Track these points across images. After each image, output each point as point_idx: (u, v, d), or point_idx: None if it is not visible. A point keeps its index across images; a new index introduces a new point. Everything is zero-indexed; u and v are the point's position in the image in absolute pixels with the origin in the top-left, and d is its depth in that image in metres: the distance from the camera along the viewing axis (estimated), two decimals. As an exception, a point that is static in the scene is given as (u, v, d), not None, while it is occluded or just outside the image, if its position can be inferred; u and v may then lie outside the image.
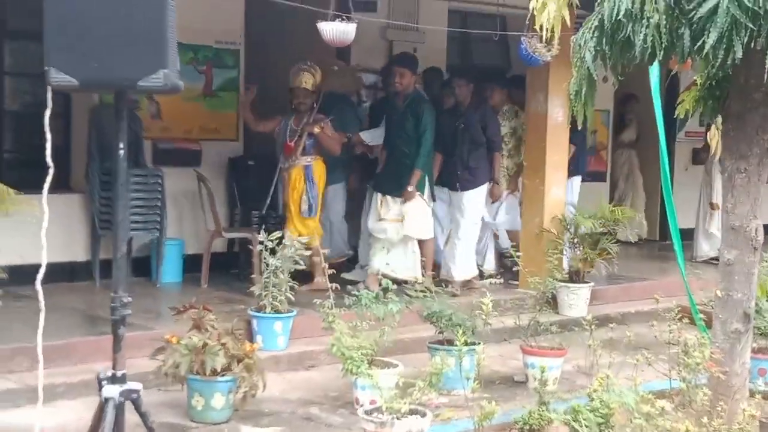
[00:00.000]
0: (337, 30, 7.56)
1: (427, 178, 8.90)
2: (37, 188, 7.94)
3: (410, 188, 8.71)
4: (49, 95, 3.39)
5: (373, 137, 9.50)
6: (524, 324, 7.08)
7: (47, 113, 3.44)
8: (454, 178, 9.23)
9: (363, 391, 6.04)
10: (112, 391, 3.46)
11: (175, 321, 6.16)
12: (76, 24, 3.23)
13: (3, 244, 7.64)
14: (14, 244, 7.64)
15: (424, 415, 5.06)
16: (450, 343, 6.69)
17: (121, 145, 3.43)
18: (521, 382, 7.12)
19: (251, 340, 7.10)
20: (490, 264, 9.91)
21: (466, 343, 6.00)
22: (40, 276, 3.42)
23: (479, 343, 6.63)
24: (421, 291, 6.78)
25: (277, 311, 7.24)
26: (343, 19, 7.57)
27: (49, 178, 3.66)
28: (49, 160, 3.54)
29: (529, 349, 7.00)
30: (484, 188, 9.33)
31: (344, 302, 6.51)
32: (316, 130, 8.42)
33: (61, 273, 8.55)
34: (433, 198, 9.00)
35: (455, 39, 11.76)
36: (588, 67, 4.71)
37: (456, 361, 5.65)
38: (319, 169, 8.67)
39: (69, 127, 9.13)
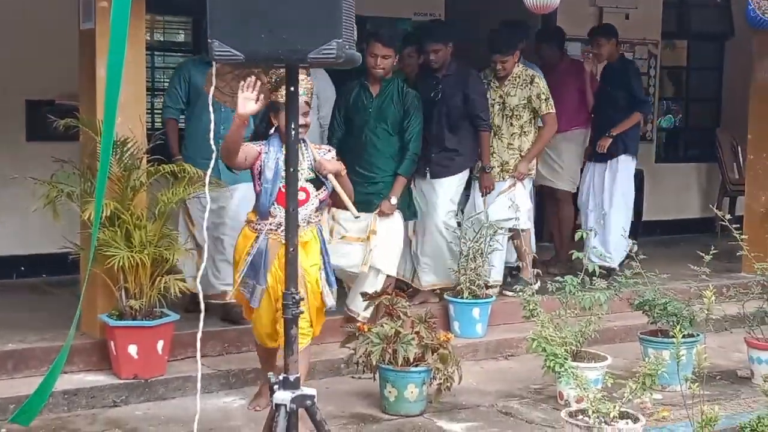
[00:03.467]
0: (541, -2, 7.02)
1: None
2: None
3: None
4: (213, 71, 3.11)
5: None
6: (749, 313, 6.40)
7: (211, 90, 3.17)
8: (424, 162, 7.00)
9: (567, 386, 5.57)
10: (283, 396, 3.16)
11: (365, 308, 5.86)
12: (241, -8, 2.92)
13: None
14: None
15: (636, 420, 4.54)
16: (664, 334, 6.16)
17: (293, 125, 3.10)
18: (745, 377, 6.47)
19: (446, 326, 6.77)
20: (497, 275, 7.41)
21: (683, 336, 5.44)
22: (199, 274, 3.14)
23: (698, 335, 6.03)
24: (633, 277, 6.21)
25: (475, 296, 6.85)
26: (548, -15, 7.03)
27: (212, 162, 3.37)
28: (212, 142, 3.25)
29: (755, 341, 6.34)
30: (461, 177, 7.24)
31: (546, 288, 6.05)
32: (343, 171, 5.20)
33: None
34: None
35: (671, 4, 10.94)
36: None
37: (672, 355, 5.11)
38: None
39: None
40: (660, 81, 10.92)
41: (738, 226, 8.73)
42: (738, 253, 7.22)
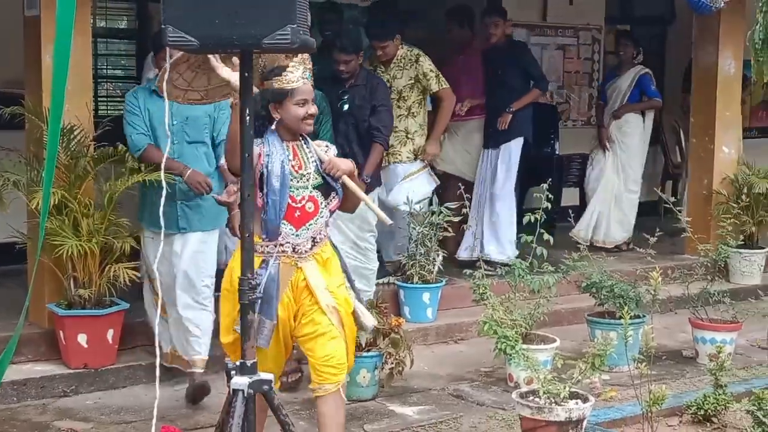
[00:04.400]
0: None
1: None
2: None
3: None
4: (168, 56, 3.10)
5: None
6: (693, 294, 6.52)
7: (166, 76, 3.15)
8: None
9: (517, 368, 5.65)
10: (241, 382, 3.17)
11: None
12: (195, -23, 2.91)
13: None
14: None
15: (586, 400, 4.61)
16: (611, 315, 6.25)
17: (248, 111, 3.10)
18: (690, 357, 6.60)
19: (397, 311, 6.81)
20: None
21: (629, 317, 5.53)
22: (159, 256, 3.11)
23: (644, 316, 6.14)
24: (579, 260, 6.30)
25: (425, 281, 6.90)
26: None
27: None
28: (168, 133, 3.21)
29: (699, 322, 6.45)
30: (372, 195, 6.45)
31: (496, 272, 6.12)
32: (356, 171, 4.34)
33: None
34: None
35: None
36: (775, 11, 4.11)
37: (619, 336, 5.20)
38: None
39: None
40: (603, 66, 11.04)
41: (680, 208, 8.97)
42: (682, 235, 7.35)
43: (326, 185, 4.14)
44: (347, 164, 4.18)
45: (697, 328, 6.47)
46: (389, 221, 4.40)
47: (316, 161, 4.15)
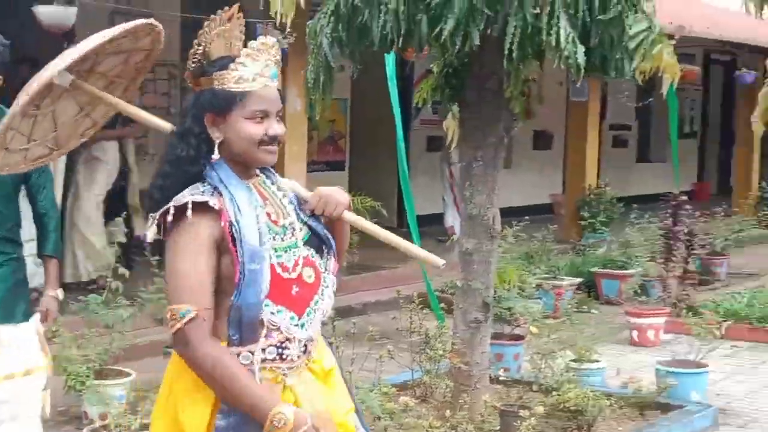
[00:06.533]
0: (56, 14, 6.97)
1: None
2: None
3: None
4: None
5: None
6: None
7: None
8: None
9: (92, 406, 5.58)
10: None
11: None
12: None
13: None
14: None
15: (157, 430, 4.65)
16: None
17: None
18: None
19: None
20: None
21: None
22: None
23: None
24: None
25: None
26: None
27: None
28: None
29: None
30: None
31: (69, 308, 6.01)
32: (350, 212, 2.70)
33: None
34: None
35: (189, 27, 11.28)
36: (325, 54, 4.49)
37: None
38: None
39: None
40: (181, 101, 11.24)
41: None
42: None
43: (316, 238, 2.63)
44: (343, 195, 2.67)
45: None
46: (442, 262, 2.68)
47: (294, 202, 2.65)
